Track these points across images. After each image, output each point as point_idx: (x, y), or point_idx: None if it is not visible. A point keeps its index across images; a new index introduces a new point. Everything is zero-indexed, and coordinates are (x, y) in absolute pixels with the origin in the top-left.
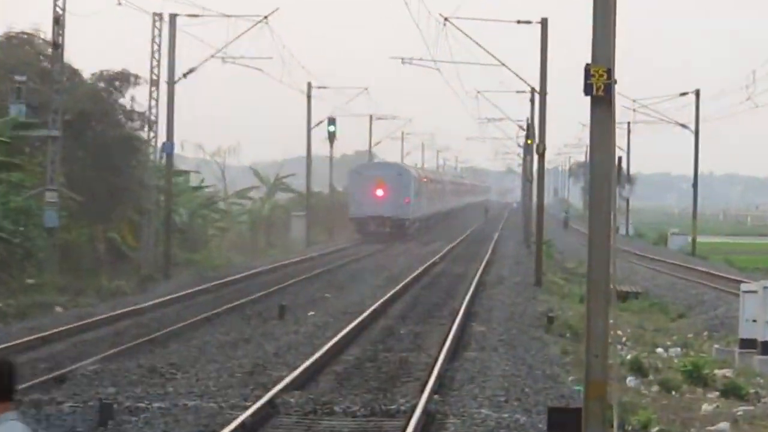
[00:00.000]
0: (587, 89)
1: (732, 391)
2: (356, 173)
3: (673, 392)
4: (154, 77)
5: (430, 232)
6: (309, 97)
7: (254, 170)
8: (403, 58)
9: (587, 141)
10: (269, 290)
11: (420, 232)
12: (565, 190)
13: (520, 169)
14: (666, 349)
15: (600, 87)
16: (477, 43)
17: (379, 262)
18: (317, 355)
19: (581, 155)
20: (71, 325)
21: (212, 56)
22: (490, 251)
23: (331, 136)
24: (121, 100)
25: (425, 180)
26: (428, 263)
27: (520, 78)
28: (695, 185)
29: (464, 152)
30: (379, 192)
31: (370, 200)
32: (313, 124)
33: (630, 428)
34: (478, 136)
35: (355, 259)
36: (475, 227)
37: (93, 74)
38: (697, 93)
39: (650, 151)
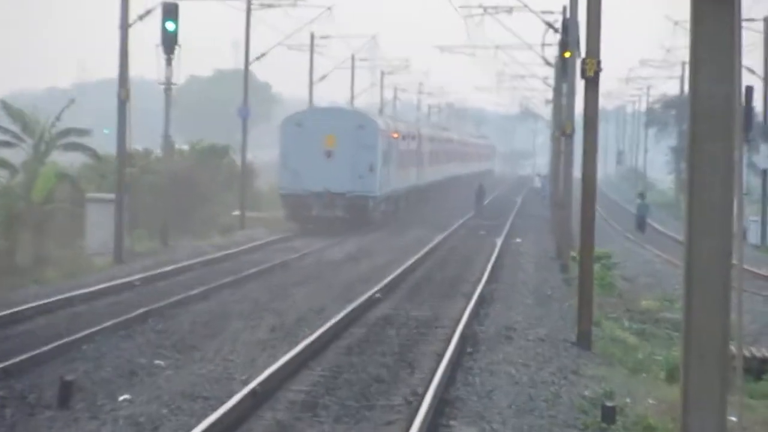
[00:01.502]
0: None
1: None
2: (293, 124)
3: None
4: None
5: (402, 221)
6: None
7: (4, 104)
8: None
9: (683, 56)
10: (44, 349)
11: (388, 219)
12: (637, 152)
13: (545, 113)
14: None
15: None
16: None
17: (299, 279)
18: None
19: (671, 85)
20: None
21: None
22: (489, 270)
23: (168, 40)
24: None
25: (397, 136)
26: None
27: None
28: None
29: (471, 102)
30: (329, 154)
31: (314, 167)
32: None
33: None
34: (490, 86)
35: (235, 283)
36: (463, 222)
37: None
38: None
39: None
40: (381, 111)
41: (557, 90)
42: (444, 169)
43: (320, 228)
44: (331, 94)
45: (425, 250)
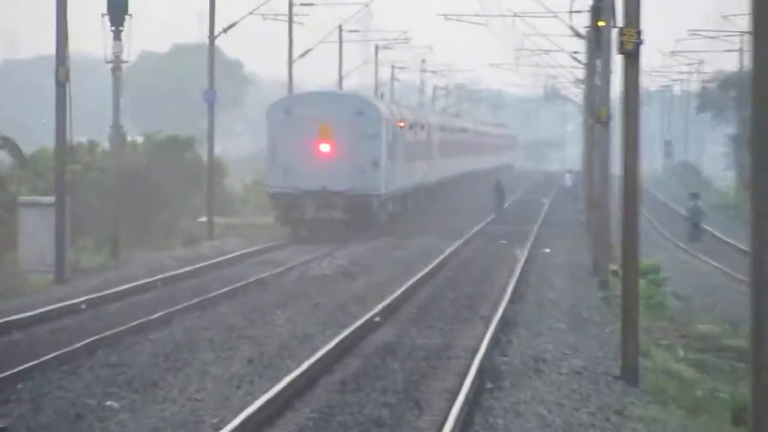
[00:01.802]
0: None
1: None
2: (281, 111)
3: None
4: None
5: (407, 227)
6: None
7: None
8: None
9: (742, 25)
10: None
11: (394, 221)
12: (688, 143)
13: (575, 95)
14: None
15: None
16: None
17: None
18: None
19: (728, 60)
20: None
21: None
22: (511, 287)
23: (116, 8)
24: None
25: (404, 124)
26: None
27: None
28: None
29: (484, 80)
30: (325, 146)
31: (308, 161)
32: None
33: None
34: (506, 62)
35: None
36: (480, 227)
37: None
38: None
39: None
40: (381, 95)
41: (590, 67)
42: (457, 164)
43: (314, 234)
44: (316, 73)
45: (435, 262)
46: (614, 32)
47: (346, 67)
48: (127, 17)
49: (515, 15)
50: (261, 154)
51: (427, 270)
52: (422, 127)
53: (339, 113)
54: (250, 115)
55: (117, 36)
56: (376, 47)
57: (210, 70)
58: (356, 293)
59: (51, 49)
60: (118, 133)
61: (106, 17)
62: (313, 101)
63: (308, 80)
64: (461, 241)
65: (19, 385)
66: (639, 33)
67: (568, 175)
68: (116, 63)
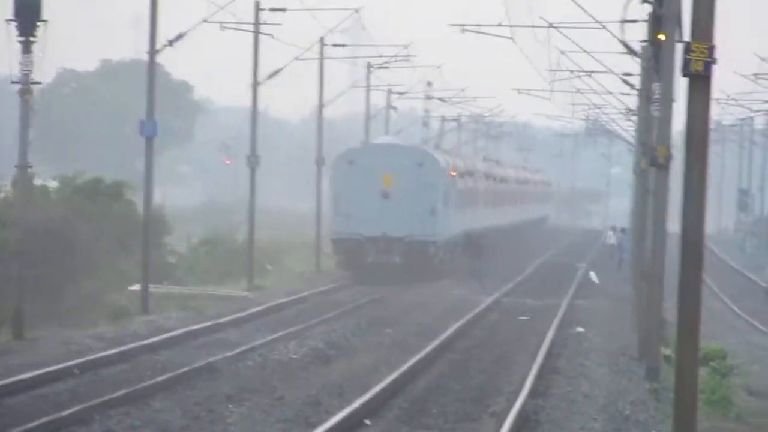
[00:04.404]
0: None
1: None
2: (345, 161)
3: None
4: None
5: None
6: None
7: None
8: None
9: None
10: None
11: (447, 267)
12: None
13: (623, 129)
14: None
15: None
16: None
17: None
18: None
19: None
20: None
21: None
22: (533, 376)
23: (26, 11)
24: None
25: (455, 174)
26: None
27: None
28: None
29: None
30: (386, 194)
31: (370, 209)
32: None
33: None
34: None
35: None
36: (497, 298)
37: None
38: None
39: None
40: (437, 144)
41: (645, 93)
42: (499, 214)
43: (369, 278)
44: (289, 99)
45: (436, 343)
46: (679, 48)
47: (330, 91)
48: (40, 24)
49: (550, 26)
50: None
51: (426, 352)
52: (471, 176)
53: (401, 164)
54: (202, 153)
55: (27, 48)
56: (369, 66)
57: (149, 94)
58: (332, 384)
59: None
60: (25, 175)
61: (12, 24)
62: (376, 152)
63: (279, 108)
64: (471, 315)
65: None
66: (711, 49)
67: (611, 233)
68: (25, 84)
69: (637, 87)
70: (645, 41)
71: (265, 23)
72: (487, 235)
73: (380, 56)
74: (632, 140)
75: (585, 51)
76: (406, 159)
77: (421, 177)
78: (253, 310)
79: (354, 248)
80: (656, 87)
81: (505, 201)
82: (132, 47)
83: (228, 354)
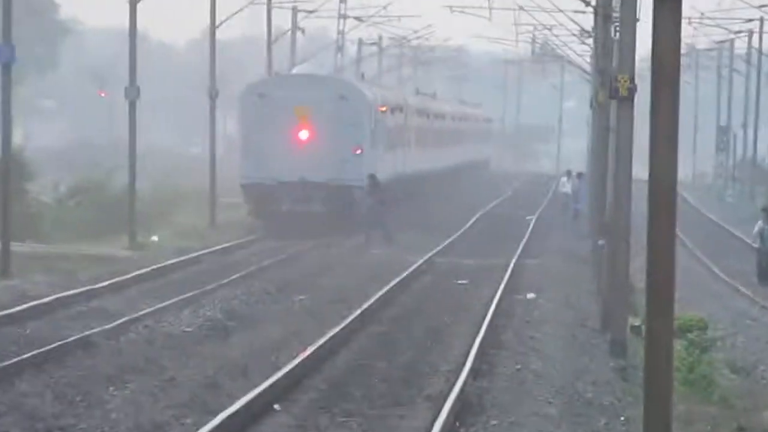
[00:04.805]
0: None
1: None
2: (255, 95)
3: None
4: None
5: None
6: None
7: None
8: None
9: None
10: None
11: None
12: (757, 130)
13: (574, 54)
14: None
15: None
16: None
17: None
18: None
19: None
20: None
21: None
22: (474, 352)
23: None
24: None
25: (385, 109)
26: None
27: None
28: None
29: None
30: (304, 133)
31: (285, 149)
32: None
33: None
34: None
35: None
36: (429, 258)
37: None
38: None
39: None
40: (360, 74)
41: (602, 11)
42: (434, 157)
43: (286, 229)
44: (171, 20)
45: (357, 312)
46: None
47: (225, 9)
48: None
49: None
50: (86, 146)
51: (348, 321)
52: (401, 111)
53: (320, 97)
54: (70, 84)
55: None
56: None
57: (5, 12)
58: (233, 362)
59: None
60: None
61: None
62: (292, 83)
63: (163, 29)
64: (400, 278)
65: None
66: None
67: (565, 179)
68: None
69: (593, 3)
70: None
71: None
72: (409, 180)
73: None
74: (588, 68)
75: None
76: (326, 91)
77: (345, 112)
78: (136, 272)
79: (267, 195)
80: (616, 3)
81: (441, 141)
82: None
83: (107, 326)
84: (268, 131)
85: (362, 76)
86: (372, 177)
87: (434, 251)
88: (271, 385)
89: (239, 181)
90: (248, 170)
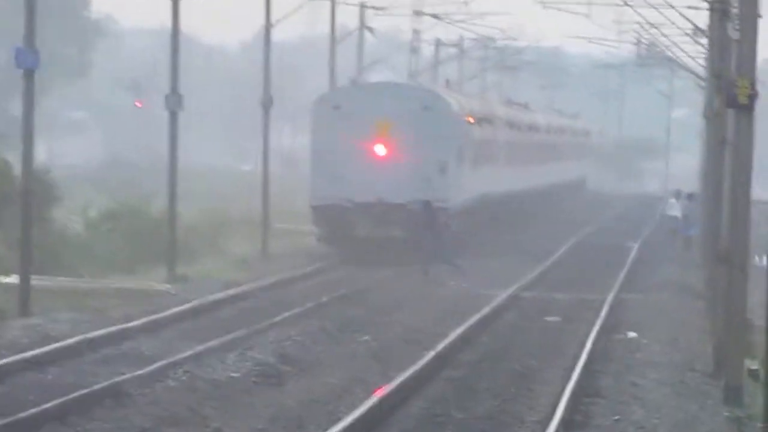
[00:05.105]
0: None
1: None
2: (330, 106)
3: None
4: None
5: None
6: None
7: None
8: None
9: None
10: None
11: (461, 243)
12: None
13: (685, 56)
14: None
15: None
16: None
17: None
18: None
19: None
20: None
21: None
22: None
23: None
24: None
25: (473, 121)
26: None
27: None
28: None
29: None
30: (382, 149)
31: (362, 167)
32: None
33: None
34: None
35: None
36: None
37: None
38: None
39: None
40: (444, 81)
41: (719, 7)
42: (525, 175)
43: (361, 257)
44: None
45: (431, 354)
46: None
47: (280, 9)
48: None
49: None
50: (121, 164)
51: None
52: (489, 123)
53: (401, 108)
54: (103, 93)
55: None
56: None
57: (29, 10)
58: (286, 411)
59: None
60: None
61: None
62: (367, 93)
63: (211, 30)
64: (480, 315)
65: None
66: None
67: (673, 201)
68: None
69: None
70: None
71: None
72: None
73: None
74: (702, 72)
75: None
76: (408, 101)
77: (429, 125)
78: (176, 309)
79: (340, 218)
80: None
81: (533, 157)
82: None
83: (141, 372)
84: (344, 146)
85: (446, 83)
86: (427, 204)
87: (521, 283)
88: None
89: (309, 203)
90: (320, 190)
